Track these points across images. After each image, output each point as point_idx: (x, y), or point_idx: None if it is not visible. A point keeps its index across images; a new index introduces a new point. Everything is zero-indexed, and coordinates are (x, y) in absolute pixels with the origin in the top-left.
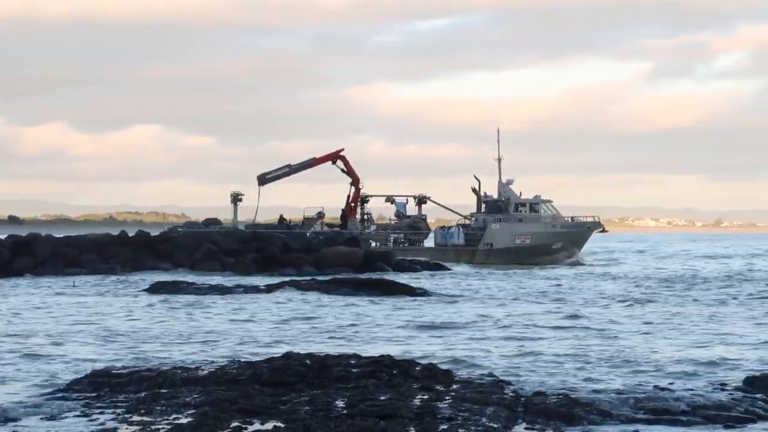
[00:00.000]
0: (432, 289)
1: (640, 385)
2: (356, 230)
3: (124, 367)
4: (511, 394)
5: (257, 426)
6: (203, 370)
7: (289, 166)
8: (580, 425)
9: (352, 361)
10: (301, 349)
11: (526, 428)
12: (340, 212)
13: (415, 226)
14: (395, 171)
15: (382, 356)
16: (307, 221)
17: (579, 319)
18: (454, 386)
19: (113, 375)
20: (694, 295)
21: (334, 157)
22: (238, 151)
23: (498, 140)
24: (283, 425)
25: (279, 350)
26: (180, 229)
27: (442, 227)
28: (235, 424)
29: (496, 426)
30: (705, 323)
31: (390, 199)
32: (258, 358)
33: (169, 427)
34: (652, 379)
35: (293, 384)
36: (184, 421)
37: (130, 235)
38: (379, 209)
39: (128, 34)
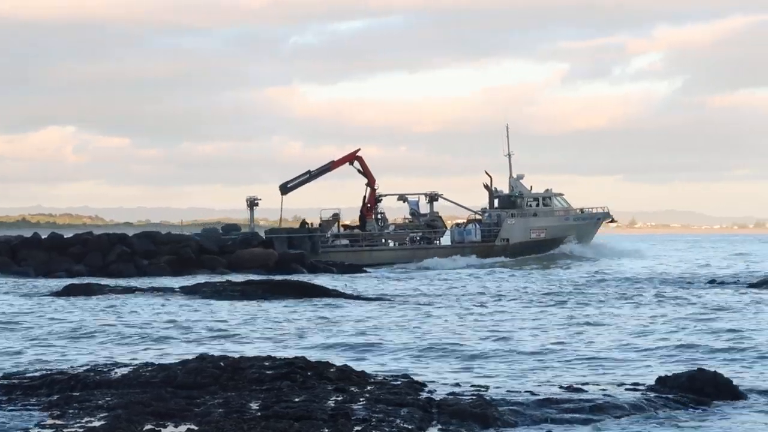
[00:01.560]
0: (347, 290)
1: (553, 385)
2: (374, 231)
3: (36, 370)
4: (425, 395)
5: (171, 429)
6: (116, 372)
7: (309, 172)
8: (493, 426)
9: (266, 363)
10: (216, 351)
11: (440, 430)
12: (359, 214)
13: (433, 225)
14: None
15: (296, 358)
16: (324, 223)
17: (497, 320)
18: (369, 387)
19: (25, 378)
20: (600, 296)
21: (351, 158)
22: (152, 153)
23: (507, 136)
24: (196, 428)
25: (193, 352)
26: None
27: (458, 224)
28: (148, 426)
29: (410, 427)
30: (616, 324)
31: (402, 197)
32: (172, 360)
33: (81, 430)
34: (565, 379)
35: (207, 386)
36: (96, 424)
37: (43, 237)
38: (388, 208)
39: (43, 34)
